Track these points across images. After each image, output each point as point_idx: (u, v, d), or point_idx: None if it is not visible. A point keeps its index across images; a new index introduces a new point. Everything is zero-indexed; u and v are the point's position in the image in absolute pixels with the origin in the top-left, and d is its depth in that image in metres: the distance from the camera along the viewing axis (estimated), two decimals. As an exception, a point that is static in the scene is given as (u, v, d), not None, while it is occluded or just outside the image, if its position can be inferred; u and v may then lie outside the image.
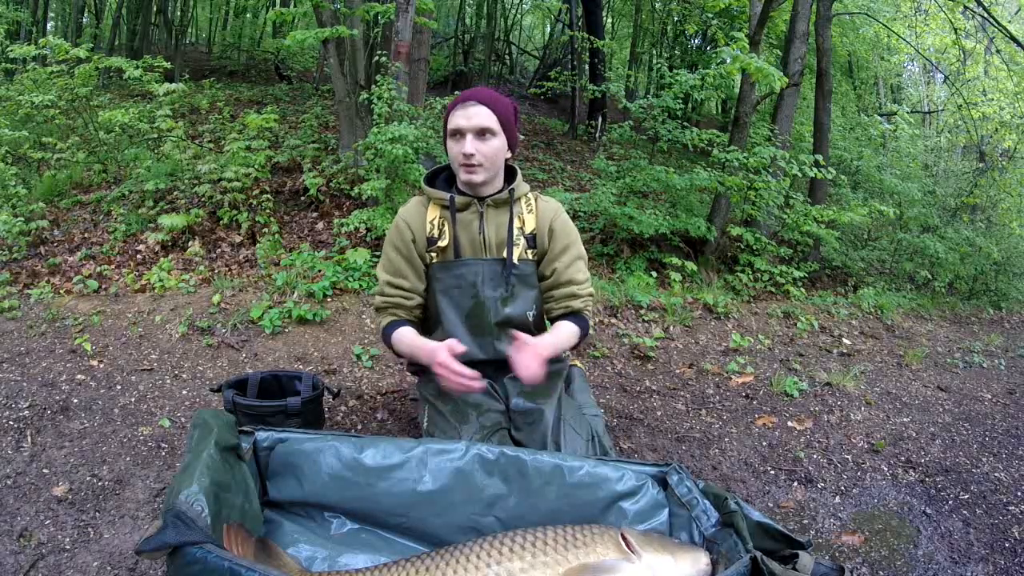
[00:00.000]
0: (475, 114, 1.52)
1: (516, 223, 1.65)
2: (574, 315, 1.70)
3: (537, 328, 1.73)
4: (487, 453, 1.17)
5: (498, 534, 1.03)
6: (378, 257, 3.46)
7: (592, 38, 7.80)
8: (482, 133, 1.53)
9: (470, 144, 1.52)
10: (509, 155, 1.63)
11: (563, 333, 1.64)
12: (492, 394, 1.64)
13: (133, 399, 2.31)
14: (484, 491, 1.15)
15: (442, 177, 1.72)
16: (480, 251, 1.64)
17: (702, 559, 1.00)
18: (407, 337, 1.62)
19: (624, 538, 1.01)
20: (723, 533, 1.06)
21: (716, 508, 1.12)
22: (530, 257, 1.68)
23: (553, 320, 1.72)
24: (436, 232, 1.65)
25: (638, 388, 2.87)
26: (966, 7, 6.45)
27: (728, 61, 4.36)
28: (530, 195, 1.70)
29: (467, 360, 1.68)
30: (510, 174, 1.68)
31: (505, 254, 1.63)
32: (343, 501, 1.12)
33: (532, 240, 1.67)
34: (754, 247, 4.63)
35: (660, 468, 1.27)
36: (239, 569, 0.78)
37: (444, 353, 1.42)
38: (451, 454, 1.17)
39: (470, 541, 1.02)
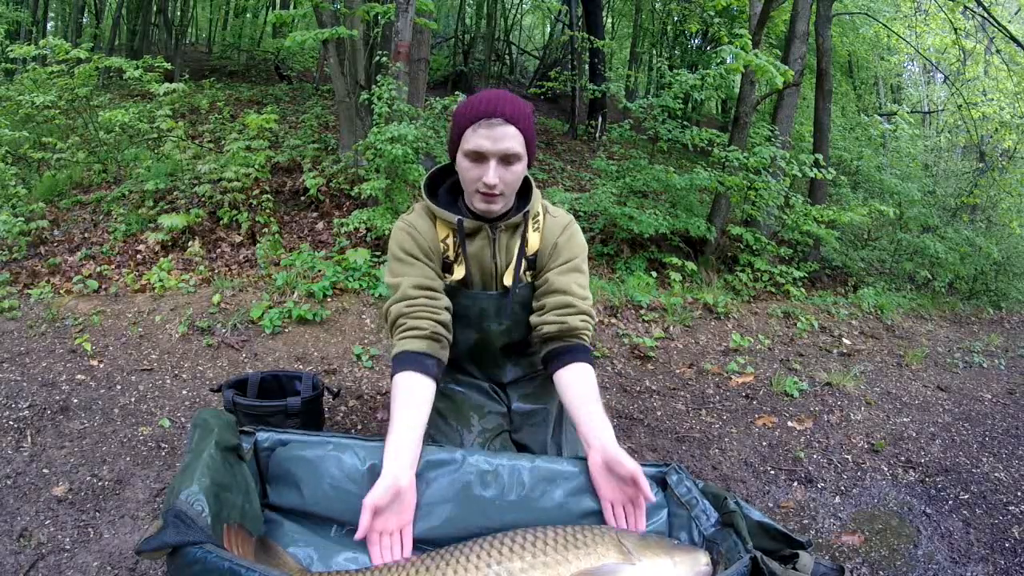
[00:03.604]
0: (502, 136, 1.26)
1: (520, 242, 1.44)
2: (575, 349, 1.38)
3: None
4: (484, 464, 1.16)
5: (498, 534, 1.02)
6: (378, 257, 3.47)
7: (592, 38, 7.80)
8: (508, 159, 1.29)
9: (494, 173, 1.27)
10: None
11: (592, 397, 1.29)
12: (492, 396, 1.64)
13: (133, 399, 2.31)
14: (484, 502, 1.14)
15: (444, 187, 1.48)
16: (490, 281, 1.45)
17: (701, 560, 1.00)
18: (406, 407, 1.23)
19: (620, 542, 1.01)
20: (723, 533, 1.06)
21: (716, 508, 1.12)
22: (528, 279, 1.48)
23: (548, 350, 1.41)
24: (452, 255, 1.43)
25: (638, 388, 2.87)
26: (966, 7, 6.45)
27: (730, 60, 4.36)
28: (539, 210, 1.48)
29: (469, 381, 1.61)
30: (523, 187, 1.44)
31: (507, 283, 1.44)
32: (344, 513, 1.10)
33: (533, 262, 1.46)
34: (754, 247, 4.63)
35: (659, 468, 1.26)
36: (239, 569, 0.78)
37: (370, 508, 1.05)
38: (449, 465, 1.16)
39: (470, 541, 1.02)
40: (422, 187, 1.46)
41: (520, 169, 1.33)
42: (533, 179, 1.44)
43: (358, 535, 1.04)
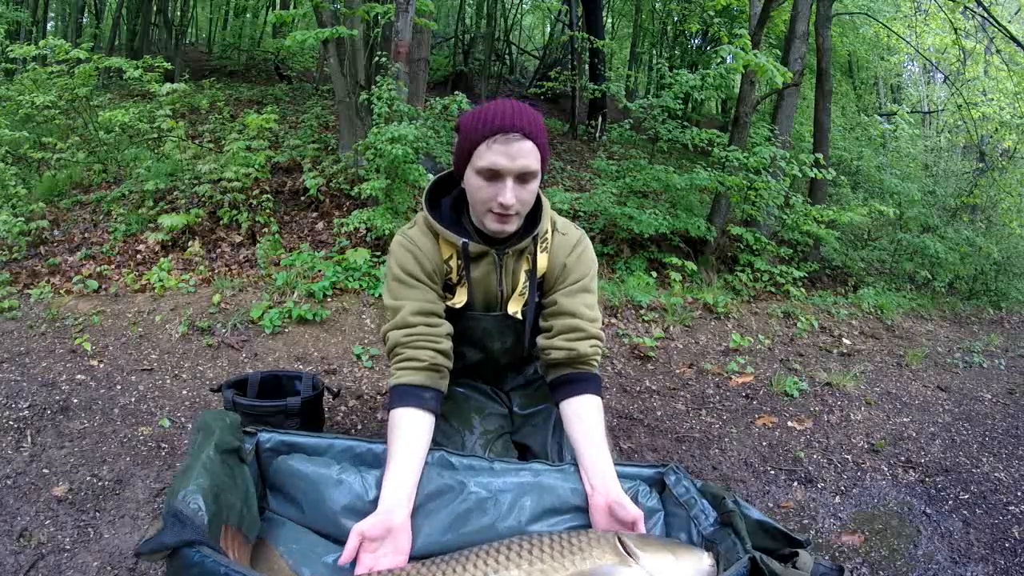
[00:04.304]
0: (520, 152, 1.17)
1: (525, 265, 1.36)
2: (583, 379, 1.31)
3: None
4: (484, 492, 1.14)
5: (494, 542, 1.02)
6: (379, 257, 3.47)
7: (592, 38, 7.80)
8: (524, 177, 1.19)
9: (511, 193, 1.18)
10: None
11: (598, 435, 1.24)
12: (493, 397, 1.64)
13: (133, 399, 2.31)
14: (481, 528, 1.13)
15: (448, 202, 1.37)
16: (494, 304, 1.39)
17: (705, 560, 1.00)
18: (404, 444, 1.16)
19: (621, 542, 1.01)
20: (722, 533, 1.06)
21: (714, 507, 1.12)
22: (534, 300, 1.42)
23: (555, 376, 1.34)
24: (455, 278, 1.36)
25: (638, 388, 2.87)
26: (966, 7, 6.45)
27: (730, 60, 4.36)
28: (548, 227, 1.38)
29: (471, 383, 1.60)
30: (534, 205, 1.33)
31: (511, 310, 1.38)
32: (344, 535, 1.11)
33: (540, 283, 1.38)
34: (754, 247, 4.63)
35: (657, 469, 1.26)
36: (235, 575, 0.78)
37: (358, 535, 1.04)
38: (447, 495, 1.14)
39: (466, 550, 1.01)
40: (424, 200, 1.35)
41: (535, 187, 1.24)
42: (540, 190, 1.35)
43: (342, 559, 1.03)
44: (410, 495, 1.11)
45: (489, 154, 1.17)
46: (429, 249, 1.32)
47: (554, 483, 1.18)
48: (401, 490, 1.10)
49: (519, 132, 1.16)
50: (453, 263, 1.33)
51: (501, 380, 1.62)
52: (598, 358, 1.35)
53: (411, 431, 1.19)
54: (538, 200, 1.33)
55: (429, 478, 1.15)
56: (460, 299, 1.35)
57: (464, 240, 1.29)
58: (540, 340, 1.37)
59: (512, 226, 1.25)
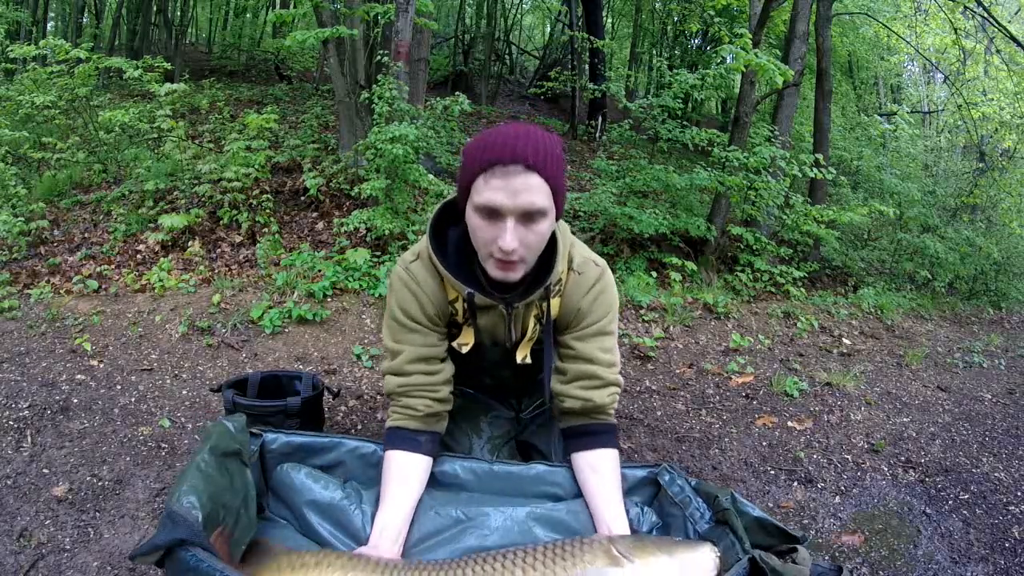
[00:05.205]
0: (523, 187, 1.00)
1: (535, 311, 1.26)
2: (600, 430, 1.26)
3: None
4: (485, 529, 1.14)
5: (491, 551, 1.03)
6: (379, 257, 3.47)
7: (592, 38, 7.80)
8: (530, 216, 1.04)
9: (512, 236, 1.02)
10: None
11: (614, 490, 1.19)
12: (501, 401, 1.64)
13: (133, 399, 2.31)
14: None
15: (455, 239, 1.23)
16: (502, 342, 1.33)
17: (707, 553, 1.00)
18: (398, 486, 1.15)
19: (615, 546, 1.01)
20: (719, 531, 1.06)
21: (709, 506, 1.12)
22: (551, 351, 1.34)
23: (569, 425, 1.29)
24: (461, 319, 1.26)
25: (638, 388, 2.87)
26: (966, 7, 6.45)
27: (730, 59, 4.36)
28: (563, 267, 1.23)
29: (483, 403, 1.61)
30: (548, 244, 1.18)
31: (519, 358, 1.32)
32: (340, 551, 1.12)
33: (551, 326, 1.28)
34: (754, 247, 4.63)
35: (651, 469, 1.26)
36: None
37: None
38: (444, 533, 1.14)
39: (459, 559, 1.02)
40: (428, 230, 1.21)
41: (545, 228, 1.07)
42: (561, 223, 1.23)
43: None
44: (398, 536, 1.11)
45: (486, 190, 1.02)
46: (433, 290, 1.22)
47: (557, 517, 1.18)
48: (390, 530, 1.10)
49: (521, 164, 1.00)
50: (459, 306, 1.23)
51: (510, 395, 1.63)
52: (615, 406, 1.29)
53: (403, 474, 1.17)
54: (553, 241, 1.16)
55: (426, 517, 1.16)
56: (467, 340, 1.28)
57: (470, 291, 1.16)
58: (554, 384, 1.29)
59: (516, 274, 1.10)
